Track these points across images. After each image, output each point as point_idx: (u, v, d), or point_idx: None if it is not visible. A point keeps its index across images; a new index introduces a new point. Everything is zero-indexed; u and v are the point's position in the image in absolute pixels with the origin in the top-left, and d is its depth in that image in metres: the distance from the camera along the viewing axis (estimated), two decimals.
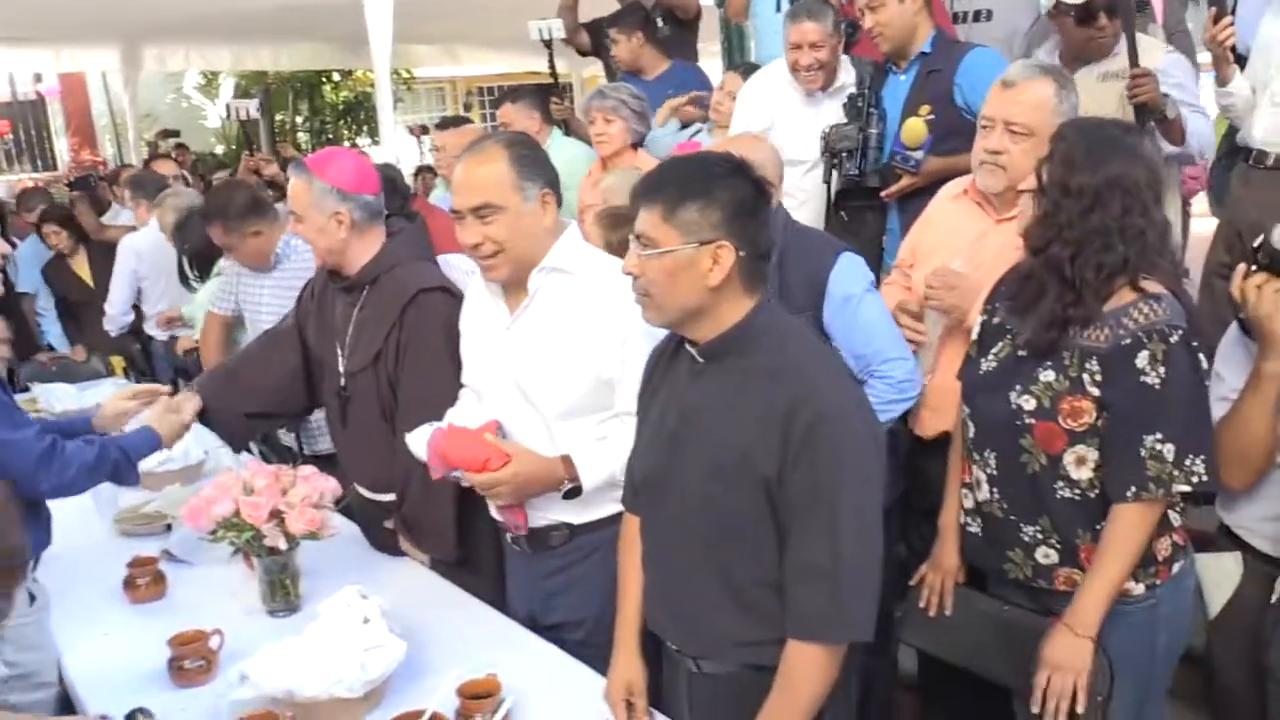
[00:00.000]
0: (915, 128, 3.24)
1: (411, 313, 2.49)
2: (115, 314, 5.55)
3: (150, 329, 5.55)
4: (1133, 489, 1.93)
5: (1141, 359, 1.92)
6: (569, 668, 2.15)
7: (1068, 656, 1.97)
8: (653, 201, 1.74)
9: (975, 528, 2.21)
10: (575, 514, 2.24)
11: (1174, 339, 1.92)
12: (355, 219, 2.52)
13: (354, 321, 2.61)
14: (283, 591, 2.43)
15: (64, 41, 9.28)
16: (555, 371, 2.17)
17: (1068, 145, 2.01)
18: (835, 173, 3.35)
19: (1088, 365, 1.97)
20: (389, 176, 3.56)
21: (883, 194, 3.25)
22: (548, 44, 5.63)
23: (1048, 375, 2.01)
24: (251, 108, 8.55)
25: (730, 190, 1.72)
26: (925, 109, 3.27)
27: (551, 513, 2.26)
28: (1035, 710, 2.00)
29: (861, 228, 3.44)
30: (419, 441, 2.27)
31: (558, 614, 2.33)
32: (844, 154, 3.28)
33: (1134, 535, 1.96)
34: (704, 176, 1.74)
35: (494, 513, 2.35)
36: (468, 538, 2.55)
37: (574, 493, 2.17)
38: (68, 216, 6.19)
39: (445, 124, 4.91)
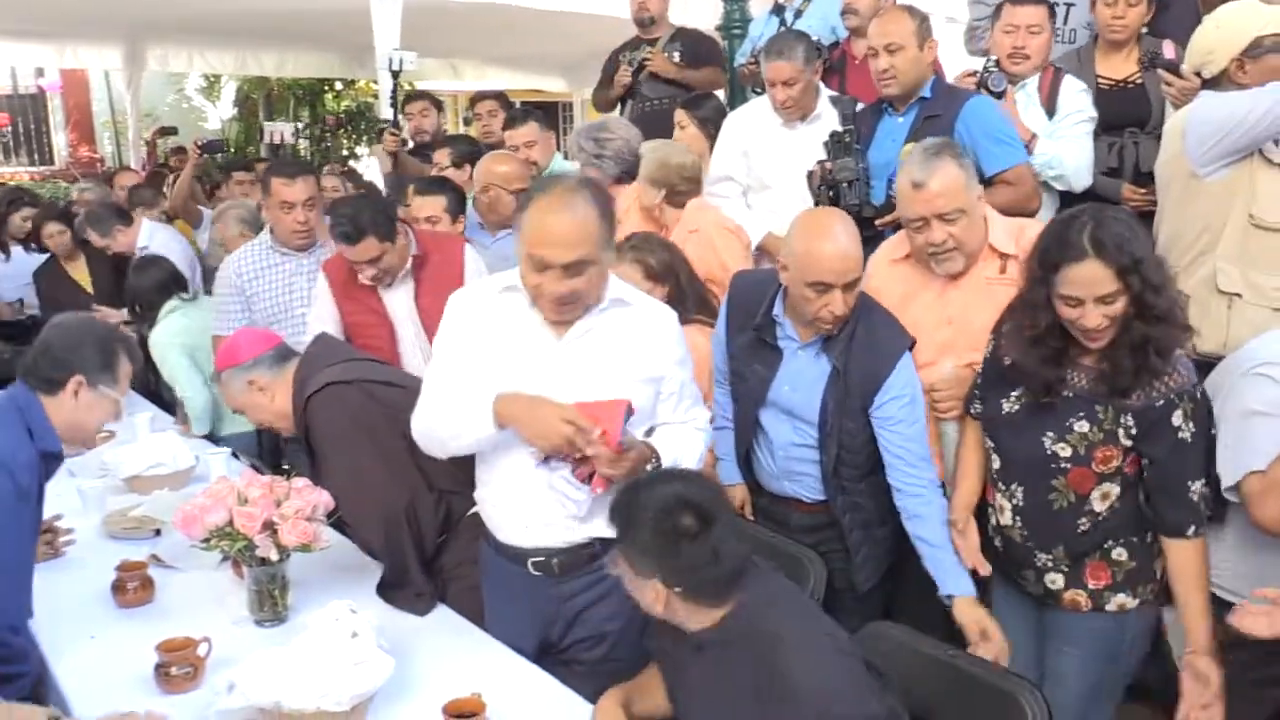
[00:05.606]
0: None
1: (310, 423, 2.60)
2: None
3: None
4: (1193, 528, 2.22)
5: (1176, 418, 2.17)
6: (555, 692, 2.16)
7: (1206, 671, 2.18)
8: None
9: (998, 543, 2.43)
10: (606, 529, 2.16)
11: (1199, 395, 2.21)
12: (266, 378, 2.68)
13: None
14: (271, 601, 2.44)
15: (69, 38, 9.27)
16: (610, 387, 2.17)
17: (1146, 264, 2.08)
18: (837, 205, 3.40)
19: (1123, 420, 2.18)
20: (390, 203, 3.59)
21: (877, 223, 3.31)
22: (395, 74, 5.71)
23: (1081, 426, 2.22)
24: (287, 132, 8.57)
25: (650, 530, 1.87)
26: None
27: (581, 531, 2.25)
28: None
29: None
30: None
31: (581, 630, 2.31)
32: (845, 185, 3.35)
33: (1205, 563, 2.23)
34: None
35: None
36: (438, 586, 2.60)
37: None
38: (67, 215, 5.68)
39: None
